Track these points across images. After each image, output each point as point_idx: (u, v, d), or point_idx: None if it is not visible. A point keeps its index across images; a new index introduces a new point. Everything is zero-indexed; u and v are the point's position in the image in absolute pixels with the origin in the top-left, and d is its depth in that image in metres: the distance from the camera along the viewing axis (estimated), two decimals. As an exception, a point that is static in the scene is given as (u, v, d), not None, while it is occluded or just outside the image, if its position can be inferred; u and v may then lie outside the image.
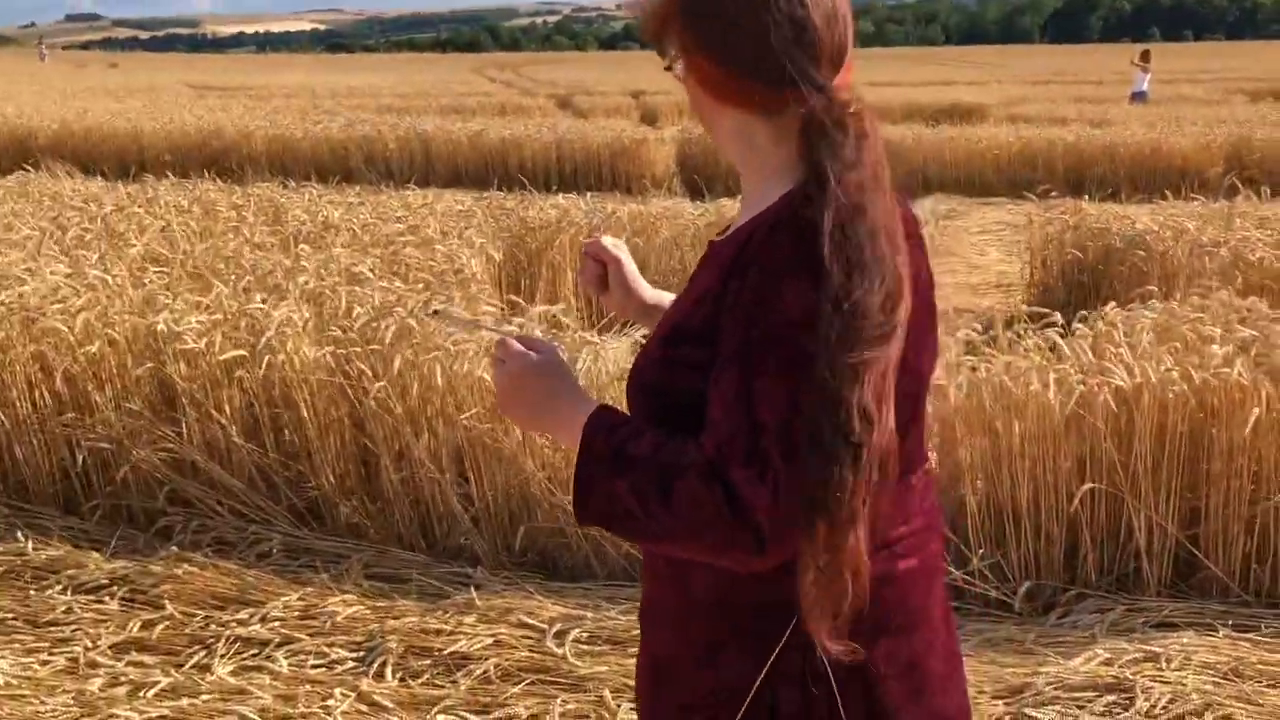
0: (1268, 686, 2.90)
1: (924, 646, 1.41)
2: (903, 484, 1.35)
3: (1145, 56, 19.69)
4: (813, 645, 1.28)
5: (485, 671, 3.02)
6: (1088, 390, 3.32)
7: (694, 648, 1.39)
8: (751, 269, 1.24)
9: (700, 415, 1.25)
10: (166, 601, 3.37)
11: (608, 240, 1.67)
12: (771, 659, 1.32)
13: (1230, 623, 3.22)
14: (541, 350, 1.39)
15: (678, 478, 1.22)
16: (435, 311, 1.70)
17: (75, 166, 11.84)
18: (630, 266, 1.66)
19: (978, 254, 9.15)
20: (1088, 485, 3.33)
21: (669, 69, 1.37)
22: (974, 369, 3.51)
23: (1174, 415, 3.33)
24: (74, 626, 3.27)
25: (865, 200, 1.23)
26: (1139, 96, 18.89)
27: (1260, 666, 2.98)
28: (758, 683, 1.32)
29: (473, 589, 3.44)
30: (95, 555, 3.65)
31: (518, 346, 1.38)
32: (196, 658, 3.11)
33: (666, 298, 1.67)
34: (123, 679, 3.00)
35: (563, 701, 2.87)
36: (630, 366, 1.43)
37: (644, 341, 1.51)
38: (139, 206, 6.38)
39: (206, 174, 9.33)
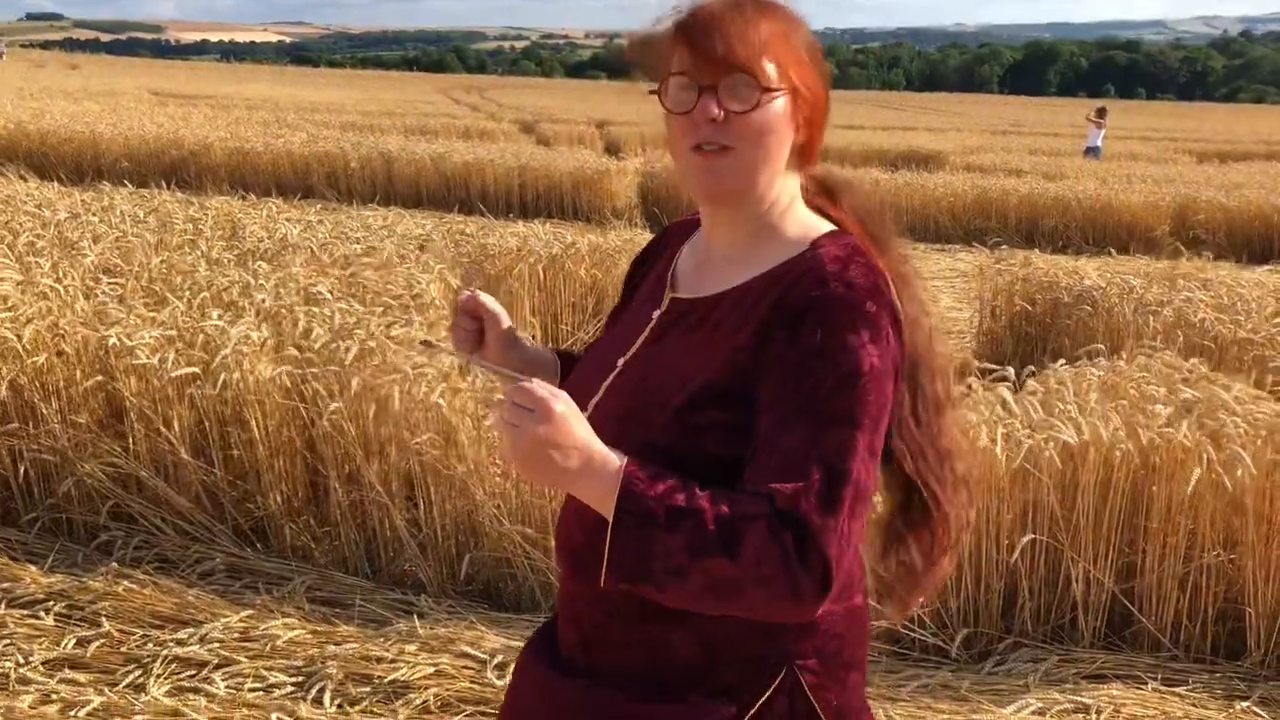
0: (1193, 741, 2.97)
1: (865, 680, 1.48)
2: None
3: (1101, 113, 20.19)
4: (799, 688, 1.34)
5: (425, 701, 3.01)
6: (1035, 446, 3.39)
7: (665, 702, 1.36)
8: (806, 323, 1.26)
9: (716, 477, 1.24)
10: (104, 619, 3.32)
11: (484, 296, 1.59)
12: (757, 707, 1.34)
13: (1160, 676, 3.29)
14: (561, 397, 1.25)
15: (746, 529, 1.19)
16: (425, 343, 1.59)
17: (29, 169, 11.67)
18: (507, 322, 1.60)
19: (929, 300, 9.28)
20: (1029, 536, 3.40)
21: (752, 107, 1.30)
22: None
23: (1118, 472, 3.41)
24: (6, 641, 3.21)
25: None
26: (1093, 151, 19.35)
27: (1186, 720, 3.05)
28: None
29: (416, 617, 3.43)
30: (32, 569, 3.59)
31: (542, 392, 1.23)
32: (132, 677, 3.07)
33: (544, 355, 1.64)
34: (54, 697, 2.95)
35: (502, 734, 2.87)
36: (614, 423, 1.34)
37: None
38: (94, 215, 6.31)
39: (164, 184, 9.24)
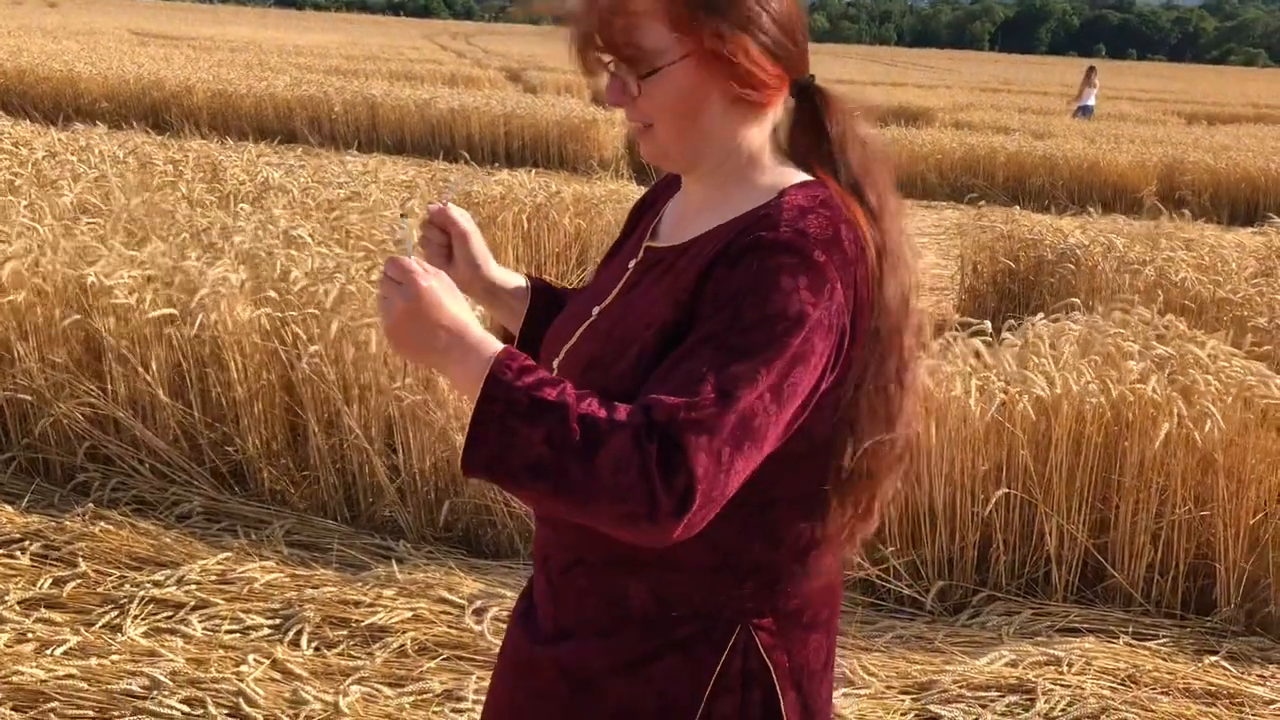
0: (1160, 694, 3.01)
1: (834, 639, 1.46)
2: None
3: (1091, 72, 20.11)
4: (753, 648, 1.32)
5: (402, 645, 3.02)
6: (1009, 399, 3.41)
7: (623, 660, 1.33)
8: (748, 260, 1.21)
9: None
10: (80, 559, 3.32)
11: (456, 211, 1.54)
12: (719, 667, 1.32)
13: (1130, 630, 3.34)
14: (438, 274, 1.24)
15: (608, 433, 1.13)
16: (398, 243, 1.52)
17: (5, 108, 11.49)
18: (479, 241, 1.56)
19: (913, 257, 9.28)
20: (1003, 490, 3.42)
21: (648, 74, 1.27)
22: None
23: (1090, 427, 3.43)
24: (-18, 580, 3.21)
25: (870, 208, 1.27)
26: (1085, 110, 19.27)
27: (1155, 674, 3.09)
28: (708, 690, 1.32)
29: (394, 562, 3.44)
30: (8, 508, 3.58)
31: (415, 265, 1.22)
32: (108, 618, 3.07)
33: (516, 280, 1.60)
34: (30, 636, 2.95)
35: (478, 678, 2.89)
36: (580, 372, 1.32)
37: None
38: (72, 154, 6.23)
39: (144, 125, 9.12)
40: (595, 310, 1.39)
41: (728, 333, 1.18)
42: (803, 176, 1.32)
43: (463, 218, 1.54)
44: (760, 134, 1.33)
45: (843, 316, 1.23)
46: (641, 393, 1.19)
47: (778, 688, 1.33)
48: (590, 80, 1.32)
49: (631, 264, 1.41)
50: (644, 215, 1.52)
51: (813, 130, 1.34)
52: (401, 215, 1.50)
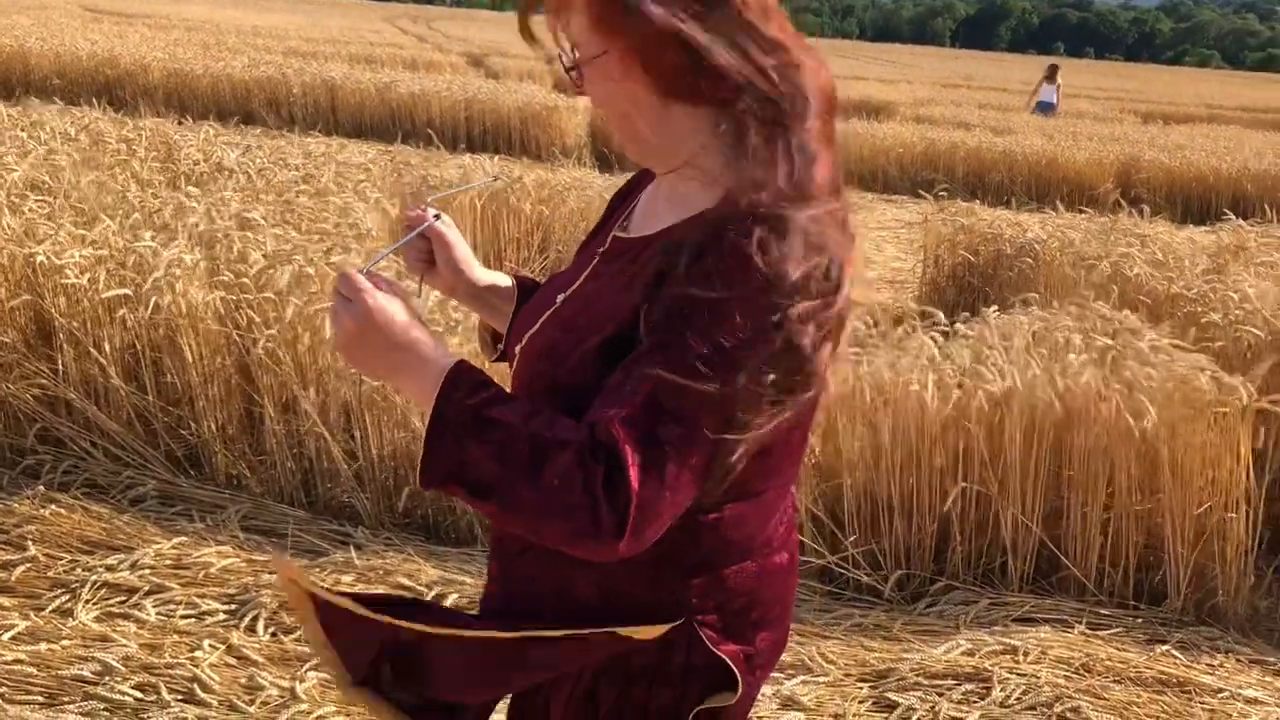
0: (1113, 682, 3.06)
1: (785, 635, 1.46)
2: (788, 486, 1.40)
3: (1053, 70, 20.31)
4: (697, 643, 1.32)
5: (360, 631, 2.99)
6: (963, 391, 3.44)
7: (579, 656, 1.33)
8: (693, 267, 1.18)
9: None
10: (30, 543, 3.26)
11: (434, 214, 1.53)
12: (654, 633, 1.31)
13: (1085, 620, 3.38)
14: (391, 290, 1.25)
15: (553, 451, 1.13)
16: (367, 273, 1.45)
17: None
18: (460, 245, 1.55)
19: (874, 249, 9.33)
20: (960, 485, 3.45)
21: (571, 67, 1.27)
22: (858, 362, 3.60)
23: (1040, 419, 3.47)
24: (-72, 563, 3.14)
25: (813, 216, 1.20)
26: (1045, 107, 19.42)
27: (1109, 663, 3.14)
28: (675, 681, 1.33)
29: (352, 548, 3.40)
30: (-45, 490, 3.50)
31: (365, 283, 1.23)
32: (59, 602, 3.02)
33: (501, 280, 1.59)
34: (-22, 620, 2.90)
35: (437, 665, 2.87)
36: (535, 360, 1.33)
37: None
38: (21, 130, 6.09)
39: (97, 103, 8.94)
40: (559, 298, 1.38)
41: (672, 344, 1.15)
42: (761, 176, 1.25)
43: (443, 223, 1.54)
44: (703, 123, 1.27)
45: (785, 321, 1.19)
46: (594, 403, 1.18)
47: (722, 684, 1.33)
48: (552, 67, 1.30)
49: (599, 252, 1.39)
50: (621, 204, 1.50)
51: (754, 138, 1.27)
52: (364, 272, 1.38)
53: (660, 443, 1.13)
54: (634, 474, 1.12)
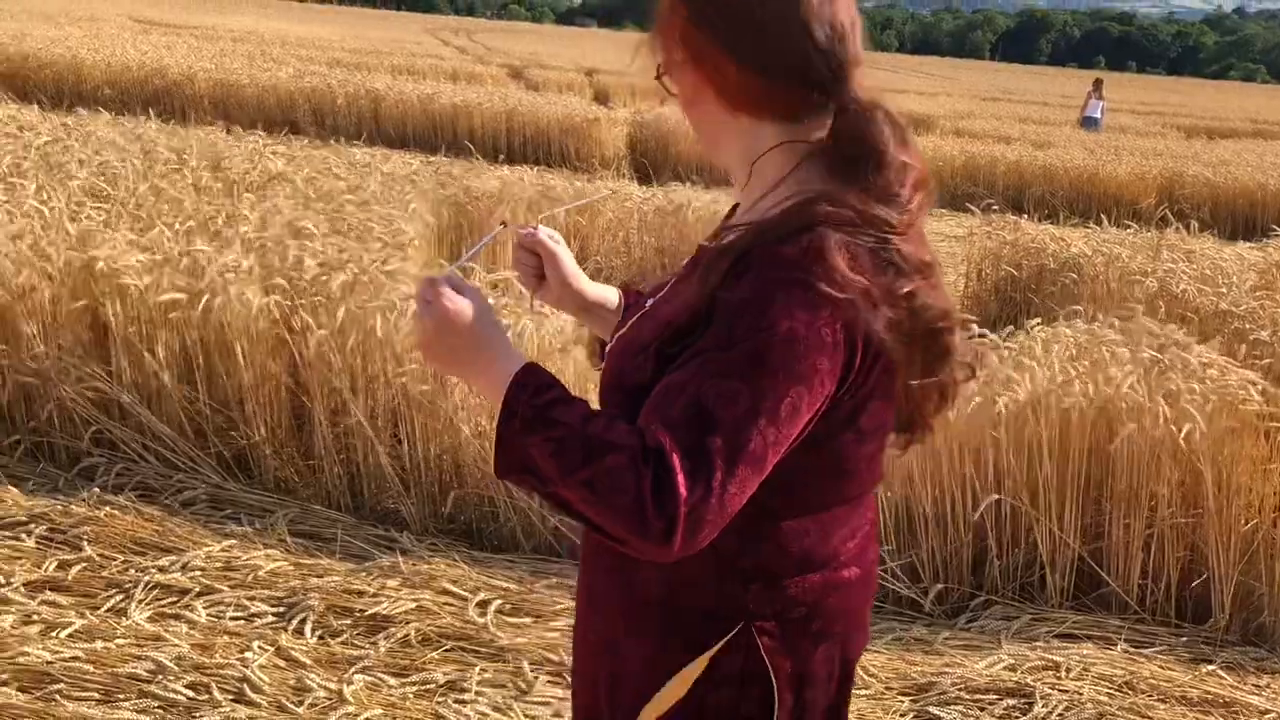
0: (1158, 701, 3.04)
1: (856, 652, 1.46)
2: (858, 503, 1.41)
3: (1098, 84, 20.16)
4: (754, 648, 1.34)
5: (406, 635, 3.03)
6: (985, 400, 3.42)
7: (635, 628, 1.39)
8: (749, 275, 1.23)
9: None
10: (85, 543, 3.33)
11: (544, 232, 1.61)
12: (707, 659, 1.34)
13: (1126, 637, 3.36)
14: (471, 294, 1.31)
15: (606, 454, 1.17)
16: (503, 224, 1.55)
17: (8, 92, 11.47)
18: (568, 261, 1.62)
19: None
20: (992, 497, 3.43)
21: (659, 77, 1.37)
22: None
23: (1079, 431, 3.45)
24: (-12, 561, 3.21)
25: (881, 224, 1.27)
26: (1090, 122, 19.27)
27: (1152, 681, 3.12)
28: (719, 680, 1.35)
29: (398, 553, 3.45)
30: (14, 491, 3.58)
31: (444, 286, 1.30)
32: (113, 601, 3.08)
33: (609, 294, 1.64)
34: (35, 618, 2.96)
35: (481, 670, 2.90)
36: (611, 358, 1.40)
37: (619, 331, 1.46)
38: (77, 140, 6.22)
39: (147, 112, 9.11)
40: (649, 303, 1.44)
41: (720, 350, 1.20)
42: (823, 188, 1.30)
43: (550, 238, 1.61)
44: (770, 135, 1.33)
45: (851, 332, 1.22)
46: (646, 405, 1.23)
47: (775, 689, 1.35)
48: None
49: (689, 259, 1.45)
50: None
51: (846, 146, 1.32)
52: (501, 224, 1.49)
53: (708, 449, 1.16)
54: (681, 480, 1.15)
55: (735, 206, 1.54)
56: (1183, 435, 3.29)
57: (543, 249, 1.61)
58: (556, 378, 1.29)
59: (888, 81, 32.10)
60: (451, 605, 3.20)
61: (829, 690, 1.43)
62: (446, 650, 3.00)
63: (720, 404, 1.17)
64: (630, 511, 1.16)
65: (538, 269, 1.62)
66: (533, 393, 1.25)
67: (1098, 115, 19.52)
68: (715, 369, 1.19)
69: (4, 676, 2.67)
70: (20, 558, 3.24)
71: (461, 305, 1.29)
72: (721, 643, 1.33)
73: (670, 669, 1.35)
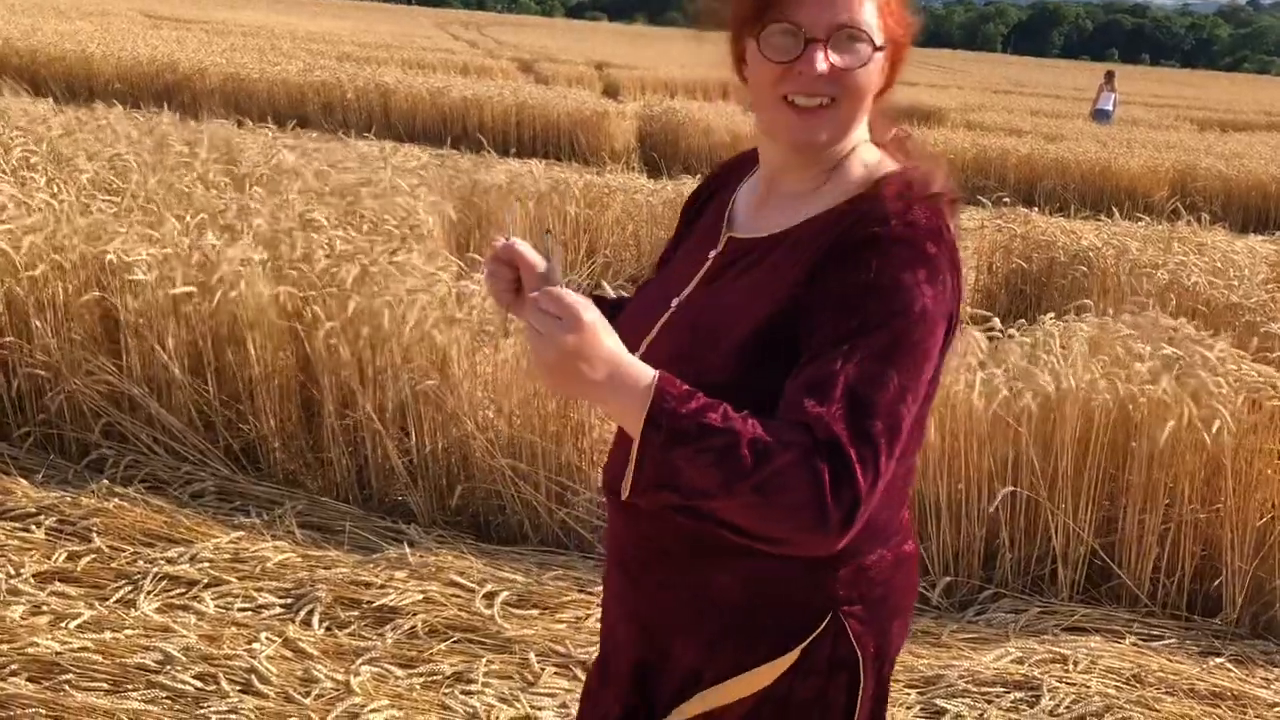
0: (1165, 694, 3.03)
1: (909, 623, 1.49)
2: (911, 469, 1.43)
3: (1109, 76, 20.05)
4: (843, 634, 1.35)
5: (413, 626, 3.04)
6: (1012, 394, 3.42)
7: (719, 650, 1.37)
8: (866, 257, 1.23)
9: (771, 412, 1.21)
10: (94, 534, 3.34)
11: (522, 246, 1.49)
12: (798, 652, 1.35)
13: (1136, 630, 3.35)
14: (589, 305, 1.20)
15: (776, 455, 1.15)
16: (548, 232, 1.42)
17: (23, 85, 11.51)
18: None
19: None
20: (1007, 489, 3.43)
21: (862, 64, 1.29)
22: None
23: (1097, 425, 3.44)
24: (-3, 552, 3.23)
25: (951, 195, 1.30)
26: (1102, 115, 19.17)
27: (1160, 675, 3.11)
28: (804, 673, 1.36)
29: (405, 545, 3.46)
30: (24, 482, 3.60)
31: (571, 299, 1.18)
32: (122, 593, 3.10)
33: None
34: (45, 609, 2.98)
35: (488, 661, 2.91)
36: (668, 363, 1.29)
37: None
38: (89, 133, 6.24)
39: (163, 106, 9.14)
40: (675, 302, 1.40)
41: (861, 335, 1.21)
42: (892, 165, 1.36)
43: (528, 250, 1.50)
44: (865, 124, 1.37)
45: (952, 304, 1.27)
46: (782, 405, 1.21)
47: (861, 673, 1.37)
48: (762, 46, 1.29)
49: (712, 254, 1.41)
50: (705, 207, 1.53)
51: (887, 123, 1.40)
52: (546, 232, 1.39)
53: (872, 436, 1.18)
54: (859, 470, 1.16)
55: (705, 199, 1.53)
56: (1213, 432, 3.28)
57: (522, 260, 1.48)
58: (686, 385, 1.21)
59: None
60: (459, 597, 3.20)
61: (894, 667, 1.47)
62: (454, 642, 3.00)
63: (875, 389, 1.19)
64: (807, 508, 1.15)
65: (514, 282, 1.49)
66: (678, 401, 1.17)
67: (1110, 108, 19.41)
68: (863, 354, 1.20)
69: (14, 667, 2.69)
70: (30, 549, 3.26)
71: (593, 317, 1.18)
72: (813, 635, 1.34)
73: (749, 670, 1.36)
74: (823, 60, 1.27)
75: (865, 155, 1.37)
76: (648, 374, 1.19)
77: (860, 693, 1.37)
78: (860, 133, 1.36)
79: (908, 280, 1.22)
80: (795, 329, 1.25)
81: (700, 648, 1.38)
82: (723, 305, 1.33)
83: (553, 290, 1.19)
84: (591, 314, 1.18)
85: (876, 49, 1.29)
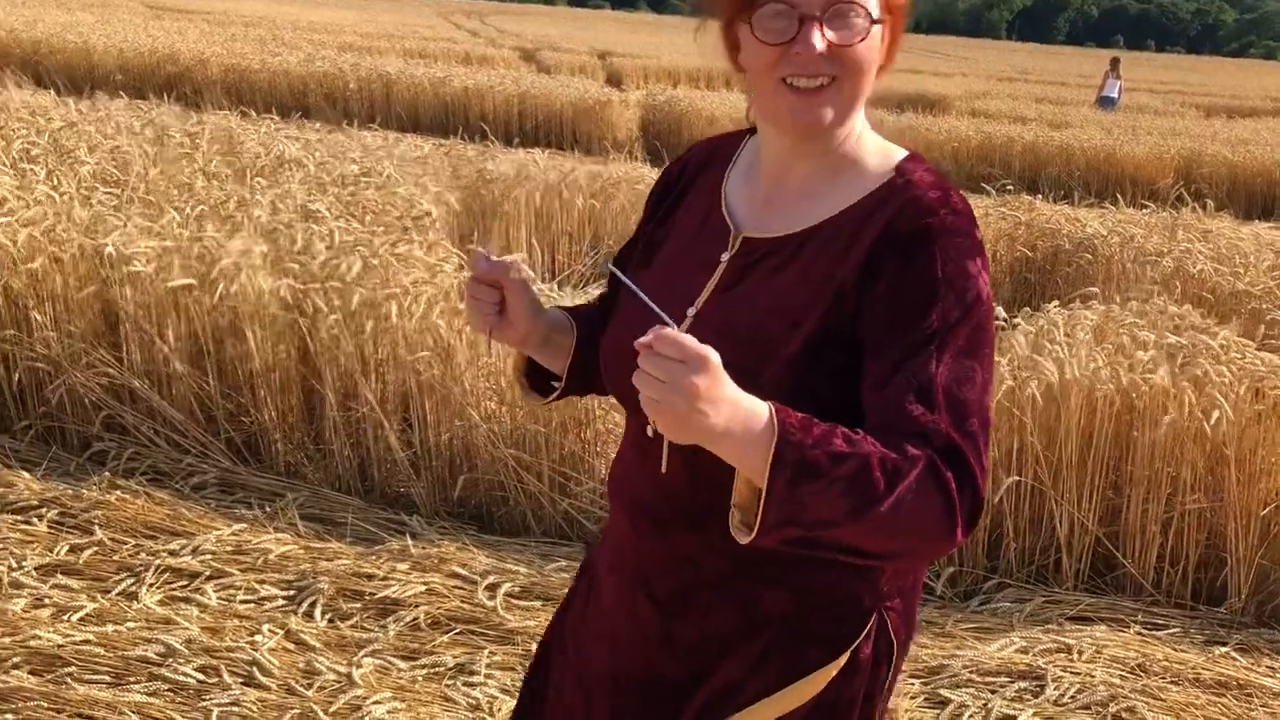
0: (1170, 683, 3.02)
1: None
2: None
3: (1115, 63, 19.97)
4: (884, 630, 1.34)
5: (415, 618, 3.04)
6: (1017, 383, 3.41)
7: (766, 660, 1.34)
8: (924, 251, 1.21)
9: (833, 419, 1.16)
10: (96, 527, 3.34)
11: (506, 261, 1.43)
12: (848, 654, 1.34)
13: (1140, 619, 3.34)
14: (705, 345, 1.09)
15: (907, 470, 1.13)
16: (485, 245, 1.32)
17: (25, 77, 11.50)
18: (532, 289, 1.44)
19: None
20: (1012, 478, 3.42)
21: (861, 38, 1.24)
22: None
23: (1101, 415, 3.43)
24: (0, 545, 3.23)
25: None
26: (1107, 102, 19.09)
27: (1165, 664, 3.10)
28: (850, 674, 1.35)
29: (408, 536, 3.45)
30: (25, 475, 3.60)
31: (693, 341, 1.07)
32: (124, 585, 3.10)
33: (560, 318, 1.49)
34: (47, 601, 2.98)
35: (490, 653, 2.91)
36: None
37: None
38: (90, 125, 6.22)
39: (164, 97, 9.12)
40: (690, 312, 1.32)
41: (944, 334, 1.19)
42: (900, 149, 1.34)
43: (514, 269, 1.43)
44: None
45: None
46: (881, 415, 1.18)
47: (896, 659, 1.37)
48: (756, 27, 1.23)
49: (725, 256, 1.33)
50: (684, 198, 1.45)
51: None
52: (482, 246, 1.30)
53: (975, 434, 1.18)
54: (976, 471, 1.17)
55: (680, 185, 1.45)
56: (1211, 423, 3.26)
57: (507, 280, 1.41)
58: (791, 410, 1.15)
59: (902, 62, 31.78)
60: (461, 589, 3.20)
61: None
62: (456, 633, 3.00)
63: (966, 387, 1.19)
64: (940, 517, 1.14)
65: (498, 304, 1.42)
66: (802, 433, 1.11)
67: (1115, 95, 19.33)
68: (950, 352, 1.19)
69: (16, 659, 2.69)
70: (32, 542, 3.26)
71: (716, 357, 1.08)
72: (860, 637, 1.33)
73: (801, 678, 1.34)
74: (820, 38, 1.22)
75: (873, 141, 1.33)
76: (763, 407, 1.11)
77: (891, 677, 1.38)
78: (861, 117, 1.32)
79: (972, 270, 1.22)
80: (848, 330, 1.23)
81: (746, 662, 1.35)
82: (761, 310, 1.27)
83: (668, 333, 1.07)
84: (714, 353, 1.08)
85: (874, 21, 1.24)
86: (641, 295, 1.20)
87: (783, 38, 1.23)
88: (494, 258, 1.42)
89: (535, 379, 1.55)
